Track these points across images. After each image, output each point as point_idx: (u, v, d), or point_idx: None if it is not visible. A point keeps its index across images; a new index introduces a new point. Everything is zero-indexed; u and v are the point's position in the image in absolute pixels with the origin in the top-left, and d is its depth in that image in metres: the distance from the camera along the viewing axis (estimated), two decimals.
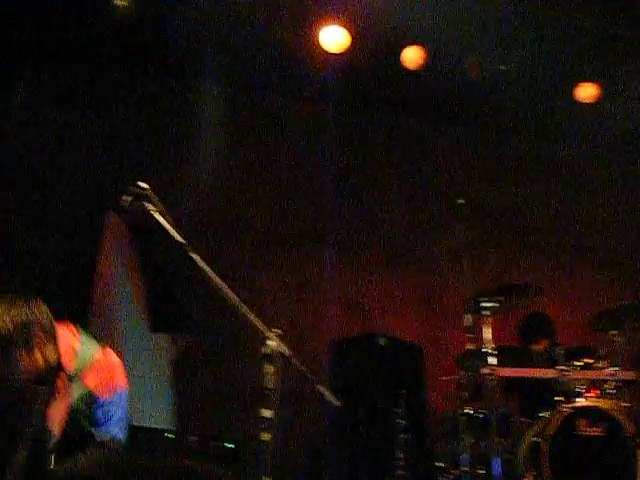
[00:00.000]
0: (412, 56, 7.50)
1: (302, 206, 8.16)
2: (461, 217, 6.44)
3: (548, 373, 6.26)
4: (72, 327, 4.06)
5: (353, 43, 7.40)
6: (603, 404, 6.05)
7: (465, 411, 6.10)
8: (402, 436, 6.35)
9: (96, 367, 4.01)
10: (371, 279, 8.01)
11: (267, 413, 3.73)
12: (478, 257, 6.91)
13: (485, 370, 6.02)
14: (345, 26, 7.32)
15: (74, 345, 3.99)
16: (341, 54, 7.48)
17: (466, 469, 5.96)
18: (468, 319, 6.20)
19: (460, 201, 6.48)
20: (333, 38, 7.40)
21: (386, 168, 8.52)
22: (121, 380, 4.09)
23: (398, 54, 7.55)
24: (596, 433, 5.85)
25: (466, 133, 8.62)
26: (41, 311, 3.85)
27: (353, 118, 8.41)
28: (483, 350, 6.03)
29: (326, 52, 7.47)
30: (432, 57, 7.50)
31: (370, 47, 7.49)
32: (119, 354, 4.20)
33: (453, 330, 7.12)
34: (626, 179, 8.90)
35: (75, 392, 3.90)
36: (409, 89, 8.02)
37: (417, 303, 7.99)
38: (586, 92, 7.97)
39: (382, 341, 7.17)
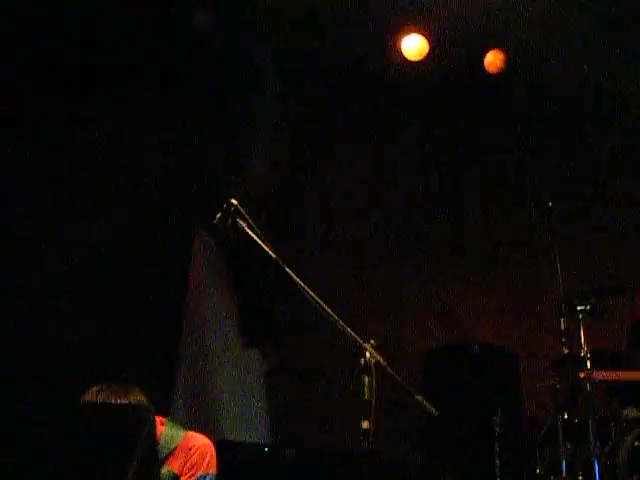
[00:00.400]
0: (494, 60, 7.46)
1: (393, 218, 8.19)
2: (553, 219, 6.38)
3: None
4: (160, 417, 4.14)
5: (433, 50, 7.40)
6: None
7: (563, 417, 6.02)
8: (500, 444, 6.29)
9: (178, 452, 4.08)
10: (462, 287, 7.97)
11: (365, 424, 3.74)
12: (574, 259, 6.86)
13: (581, 374, 5.94)
14: (424, 33, 7.33)
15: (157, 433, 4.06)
16: (421, 62, 7.48)
17: (566, 476, 5.89)
18: (562, 323, 6.13)
19: (550, 203, 6.43)
20: (413, 46, 7.40)
21: (472, 173, 8.47)
22: (208, 463, 4.15)
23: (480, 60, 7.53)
24: None
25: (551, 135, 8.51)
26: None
27: (434, 125, 8.39)
28: (579, 354, 5.95)
29: (407, 60, 7.48)
30: (513, 61, 7.46)
31: (451, 54, 7.46)
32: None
33: (547, 335, 7.03)
34: None
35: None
36: (491, 95, 7.96)
37: (510, 309, 7.92)
38: None
39: (476, 349, 7.13)
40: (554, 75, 7.56)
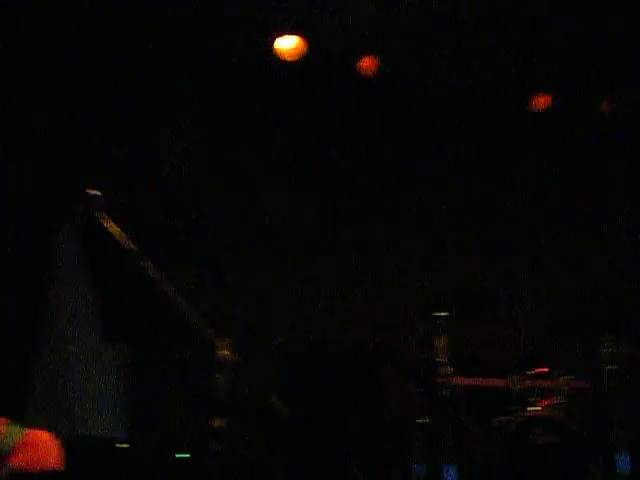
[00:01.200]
0: (369, 64, 7.53)
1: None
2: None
3: (501, 382, 6.30)
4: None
5: (308, 51, 7.41)
6: (556, 413, 6.10)
7: (419, 421, 6.11)
8: (356, 447, 6.33)
9: (19, 449, 4.00)
10: (329, 288, 7.97)
11: (219, 423, 3.70)
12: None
13: (439, 380, 6.04)
14: (300, 34, 7.33)
15: None
16: (297, 62, 7.48)
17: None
18: (423, 328, 6.22)
19: None
20: (289, 46, 7.40)
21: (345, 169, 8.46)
22: (49, 458, 4.07)
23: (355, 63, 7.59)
24: (549, 442, 5.90)
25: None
26: None
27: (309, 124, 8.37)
28: (437, 360, 6.05)
29: (283, 60, 7.47)
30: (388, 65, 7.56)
31: (326, 55, 7.50)
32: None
33: (410, 339, 7.09)
34: None
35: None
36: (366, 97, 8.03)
37: (373, 311, 7.94)
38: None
39: (338, 350, 7.14)
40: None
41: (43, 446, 4.06)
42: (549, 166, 8.51)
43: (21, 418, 4.25)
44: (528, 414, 6.03)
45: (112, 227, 3.91)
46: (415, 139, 8.17)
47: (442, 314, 6.07)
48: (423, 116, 8.17)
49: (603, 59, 7.52)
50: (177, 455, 4.72)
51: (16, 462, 3.95)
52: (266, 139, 7.84)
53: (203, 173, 7.51)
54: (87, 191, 3.92)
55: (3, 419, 4.06)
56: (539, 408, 6.18)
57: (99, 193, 3.96)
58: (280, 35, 7.39)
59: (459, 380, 6.20)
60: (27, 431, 4.09)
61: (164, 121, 7.57)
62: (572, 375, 6.38)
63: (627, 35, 7.19)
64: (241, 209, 7.58)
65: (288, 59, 7.46)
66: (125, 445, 5.95)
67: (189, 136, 7.58)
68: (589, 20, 7.03)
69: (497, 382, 6.38)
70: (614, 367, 6.44)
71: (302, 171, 7.88)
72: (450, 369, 5.98)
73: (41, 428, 4.16)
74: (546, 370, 6.39)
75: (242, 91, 7.76)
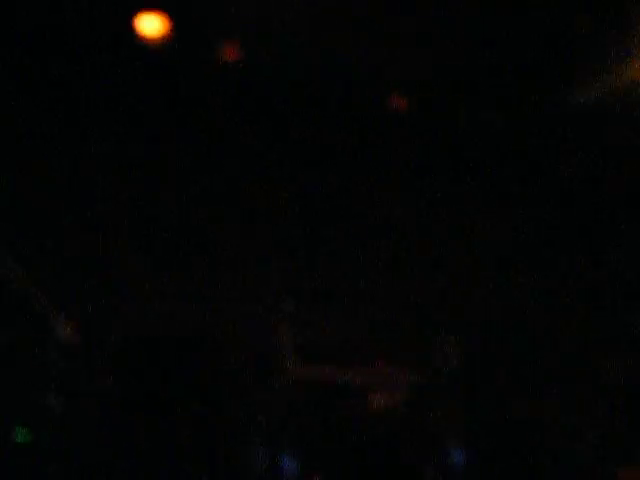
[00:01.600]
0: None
1: None
2: None
3: (342, 374, 6.37)
4: None
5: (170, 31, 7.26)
6: (393, 408, 6.22)
7: (259, 413, 6.12)
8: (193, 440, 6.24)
9: None
10: None
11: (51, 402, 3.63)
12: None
13: (280, 371, 6.07)
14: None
15: None
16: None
17: None
18: (267, 318, 6.22)
19: None
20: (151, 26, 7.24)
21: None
22: None
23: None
24: (386, 436, 6.00)
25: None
26: None
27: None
28: (280, 351, 6.08)
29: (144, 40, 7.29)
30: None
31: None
32: None
33: (254, 326, 7.02)
34: None
35: None
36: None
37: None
38: None
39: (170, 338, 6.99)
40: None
41: None
42: None
43: None
44: (367, 407, 6.12)
45: None
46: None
47: (287, 304, 6.10)
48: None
49: None
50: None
51: None
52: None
53: None
54: None
55: None
56: (377, 401, 6.27)
57: None
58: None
59: (300, 371, 6.25)
60: None
61: None
62: (411, 370, 6.52)
63: None
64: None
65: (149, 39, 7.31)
66: None
67: None
68: None
69: (338, 374, 6.45)
70: (453, 365, 6.62)
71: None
72: (292, 360, 6.02)
73: None
74: (386, 364, 6.51)
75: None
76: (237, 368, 6.57)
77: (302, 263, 7.24)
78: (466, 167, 7.84)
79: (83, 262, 7.20)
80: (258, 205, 7.70)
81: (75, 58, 7.36)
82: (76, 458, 5.48)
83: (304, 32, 7.32)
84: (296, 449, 6.03)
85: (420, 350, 7.00)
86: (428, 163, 7.92)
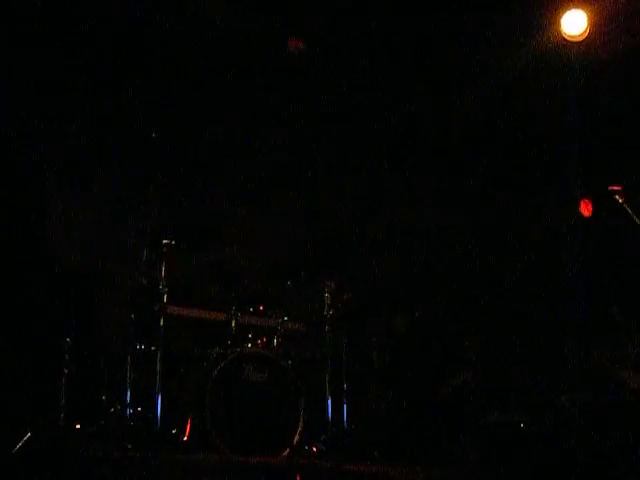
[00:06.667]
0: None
1: None
2: None
3: (219, 316, 6.35)
4: None
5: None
6: (269, 351, 6.21)
7: (134, 347, 6.04)
8: (67, 369, 6.13)
9: None
10: None
11: None
12: None
13: (157, 307, 5.99)
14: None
15: None
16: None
17: (129, 403, 5.91)
18: (145, 254, 6.13)
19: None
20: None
21: None
22: None
23: None
24: (261, 379, 5.99)
25: None
26: None
27: None
28: (157, 287, 6.00)
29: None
30: None
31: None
32: None
33: (131, 264, 6.90)
34: None
35: None
36: None
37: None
38: None
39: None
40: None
41: None
42: None
43: None
44: (243, 350, 6.09)
45: None
46: None
47: (166, 242, 6.02)
48: None
49: None
50: None
51: None
52: None
53: None
54: None
55: None
56: (254, 345, 6.26)
57: None
58: None
59: (177, 309, 6.20)
60: None
61: None
62: (290, 317, 6.53)
63: None
64: None
65: None
66: None
67: None
68: None
69: (215, 315, 6.42)
70: (332, 312, 6.64)
71: None
72: (168, 297, 5.96)
73: None
74: (265, 309, 6.50)
75: None
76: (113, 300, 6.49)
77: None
78: None
79: None
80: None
81: None
82: None
83: None
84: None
85: (303, 297, 7.00)
86: None
